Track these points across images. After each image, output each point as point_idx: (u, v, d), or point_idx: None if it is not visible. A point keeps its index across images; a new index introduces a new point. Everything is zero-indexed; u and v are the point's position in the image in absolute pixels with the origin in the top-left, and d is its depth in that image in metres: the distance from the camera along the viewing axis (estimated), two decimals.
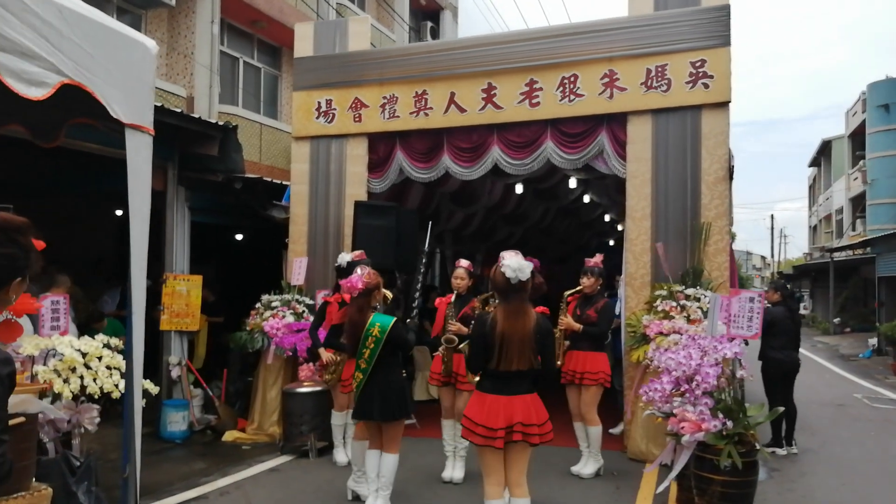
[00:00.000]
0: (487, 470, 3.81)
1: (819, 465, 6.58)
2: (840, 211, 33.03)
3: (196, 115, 7.49)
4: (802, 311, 26.96)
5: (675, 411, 4.58)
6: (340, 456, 6.16)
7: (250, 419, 7.34)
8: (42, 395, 3.78)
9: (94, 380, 3.93)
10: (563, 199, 11.85)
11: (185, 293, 7.44)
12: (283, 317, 7.24)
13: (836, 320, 25.24)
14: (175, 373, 7.43)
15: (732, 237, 7.56)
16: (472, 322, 4.76)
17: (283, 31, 12.72)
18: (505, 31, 8.12)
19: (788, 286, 7.71)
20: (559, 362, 5.65)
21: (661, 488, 5.00)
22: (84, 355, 3.98)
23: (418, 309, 5.46)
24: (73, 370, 3.91)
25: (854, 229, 29.69)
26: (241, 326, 7.53)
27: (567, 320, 5.74)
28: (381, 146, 7.89)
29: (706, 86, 6.49)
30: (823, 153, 37.10)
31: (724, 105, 6.52)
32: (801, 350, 7.40)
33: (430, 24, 19.12)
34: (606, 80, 6.82)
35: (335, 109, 7.88)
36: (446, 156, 7.59)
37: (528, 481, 3.87)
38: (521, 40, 7.18)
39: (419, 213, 8.36)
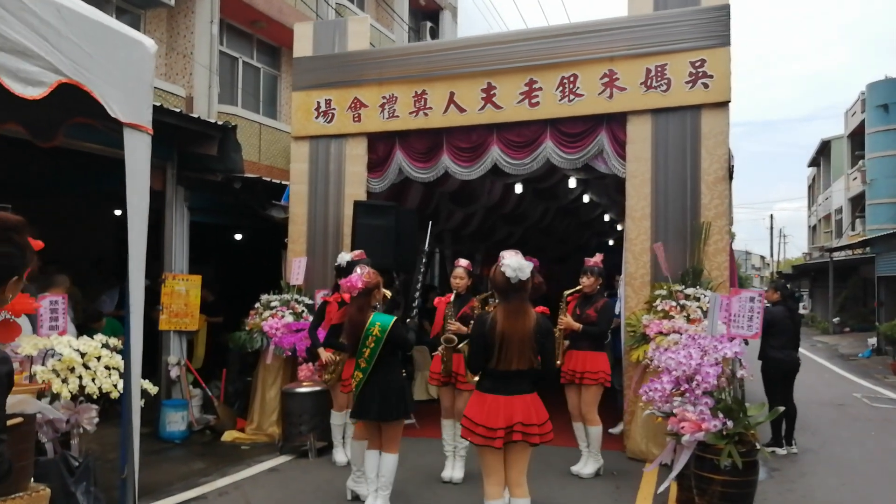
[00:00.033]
0: (487, 470, 3.80)
1: (819, 465, 6.58)
2: (839, 211, 33.04)
3: (195, 115, 7.48)
4: (802, 311, 26.94)
5: (675, 411, 4.58)
6: (340, 456, 6.15)
7: (249, 419, 7.33)
8: (40, 395, 3.78)
9: (93, 380, 3.93)
10: (562, 198, 11.85)
11: (184, 293, 7.43)
12: (283, 317, 7.24)
13: (836, 320, 25.26)
14: (174, 373, 7.42)
15: (732, 237, 7.55)
16: (472, 322, 4.75)
17: (282, 31, 12.71)
18: (504, 31, 8.12)
19: (788, 286, 7.70)
20: (559, 362, 5.64)
21: (661, 488, 4.99)
22: (83, 355, 3.97)
23: (418, 309, 5.45)
24: (72, 370, 3.91)
25: (853, 229, 29.70)
26: (240, 326, 7.52)
27: (567, 320, 5.73)
28: (380, 146, 7.88)
29: (706, 85, 6.48)
30: (823, 153, 37.11)
31: (723, 105, 6.51)
32: (800, 350, 7.39)
33: (429, 24, 19.13)
34: (606, 79, 6.81)
35: (334, 109, 7.88)
36: (446, 155, 7.59)
37: (528, 481, 3.86)
38: (520, 40, 7.18)
39: (418, 212, 8.35)
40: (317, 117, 7.95)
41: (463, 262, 5.80)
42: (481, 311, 4.96)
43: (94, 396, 3.93)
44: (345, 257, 5.89)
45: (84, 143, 6.16)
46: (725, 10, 6.49)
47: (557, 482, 5.65)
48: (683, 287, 6.27)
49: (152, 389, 4.12)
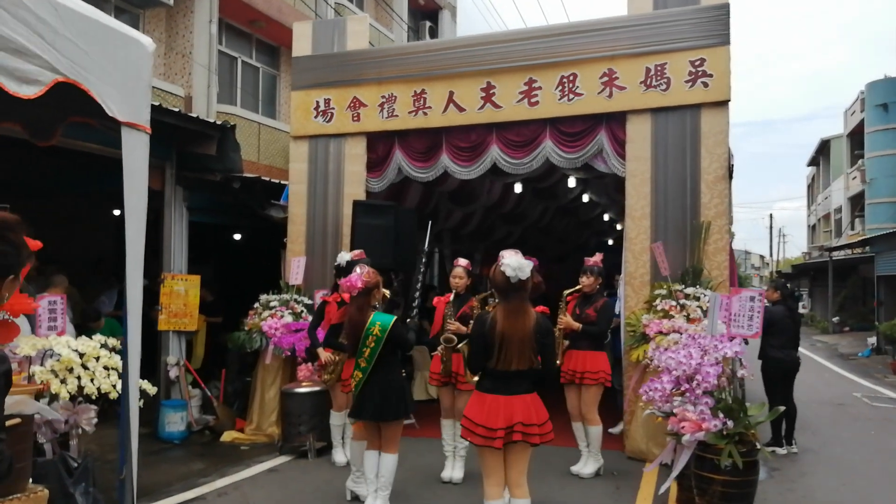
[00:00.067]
0: (487, 470, 3.79)
1: (819, 465, 6.57)
2: (839, 210, 33.03)
3: (194, 115, 7.47)
4: (801, 311, 26.95)
5: (675, 411, 4.57)
6: (339, 456, 6.14)
7: (249, 419, 7.32)
8: (39, 395, 3.76)
9: (92, 380, 3.91)
10: (562, 198, 11.84)
11: (184, 293, 7.42)
12: (282, 316, 7.22)
13: (835, 319, 25.26)
14: (173, 373, 7.41)
15: (731, 236, 7.55)
16: (472, 321, 4.74)
17: (281, 31, 12.70)
18: (504, 30, 8.10)
19: (788, 285, 7.70)
20: (558, 362, 5.63)
21: (662, 489, 4.98)
22: (81, 356, 3.96)
23: (418, 309, 5.44)
24: (71, 371, 3.89)
25: (853, 228, 29.70)
26: (239, 326, 7.51)
27: (566, 319, 5.72)
28: (379, 145, 7.87)
29: (705, 85, 6.47)
30: (822, 152, 37.10)
31: (723, 104, 6.50)
32: (800, 349, 7.39)
33: (428, 23, 19.12)
34: (606, 79, 6.80)
35: (333, 109, 7.86)
36: (445, 155, 7.58)
37: (528, 481, 3.85)
38: (520, 39, 7.16)
39: (418, 212, 8.34)
40: (316, 117, 7.93)
41: (462, 261, 5.79)
42: (481, 311, 4.95)
43: (93, 397, 3.92)
44: (344, 257, 5.88)
45: (83, 143, 6.15)
46: (725, 9, 6.48)
47: (557, 482, 5.64)
48: (683, 286, 6.26)
49: (151, 390, 4.11)
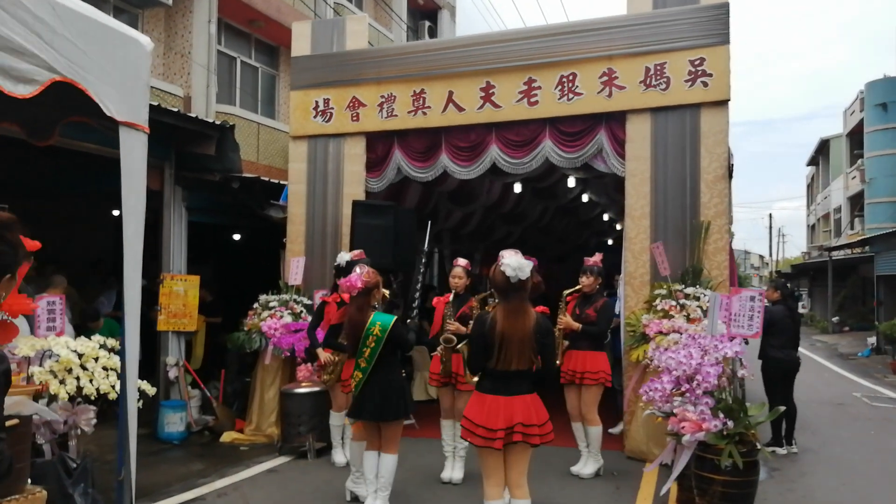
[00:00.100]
0: (487, 471, 3.78)
1: (819, 465, 6.56)
2: (838, 210, 33.04)
3: (193, 115, 7.46)
4: (801, 311, 26.96)
5: (675, 411, 4.56)
6: (339, 457, 6.13)
7: (248, 420, 7.31)
8: (38, 396, 3.75)
9: (91, 381, 3.90)
10: (561, 198, 11.83)
11: (183, 293, 7.41)
12: (281, 317, 7.21)
13: (835, 319, 25.26)
14: (172, 373, 7.40)
15: (731, 236, 7.54)
16: (472, 322, 4.73)
17: (280, 31, 12.69)
18: (503, 30, 8.10)
19: (788, 285, 7.69)
20: (558, 362, 5.62)
21: (664, 490, 4.97)
22: (80, 356, 3.95)
23: (418, 309, 5.43)
24: (70, 371, 3.88)
25: (852, 228, 29.71)
26: (238, 327, 7.50)
27: (566, 320, 5.71)
28: (378, 145, 7.86)
29: (705, 84, 6.47)
30: (822, 152, 37.11)
31: (723, 103, 6.49)
32: (799, 349, 7.38)
33: (427, 23, 19.11)
34: (605, 78, 6.80)
35: (333, 108, 7.85)
36: (444, 155, 7.57)
37: (528, 482, 3.84)
38: (519, 39, 7.16)
39: (417, 212, 8.34)
40: (315, 117, 7.93)
41: (461, 261, 5.78)
42: (481, 311, 4.94)
43: (92, 398, 3.91)
44: (344, 257, 5.87)
45: (82, 143, 6.15)
46: (724, 8, 6.48)
47: (557, 482, 5.63)
48: (683, 286, 6.25)
49: (150, 390, 4.09)
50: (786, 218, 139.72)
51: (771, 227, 47.31)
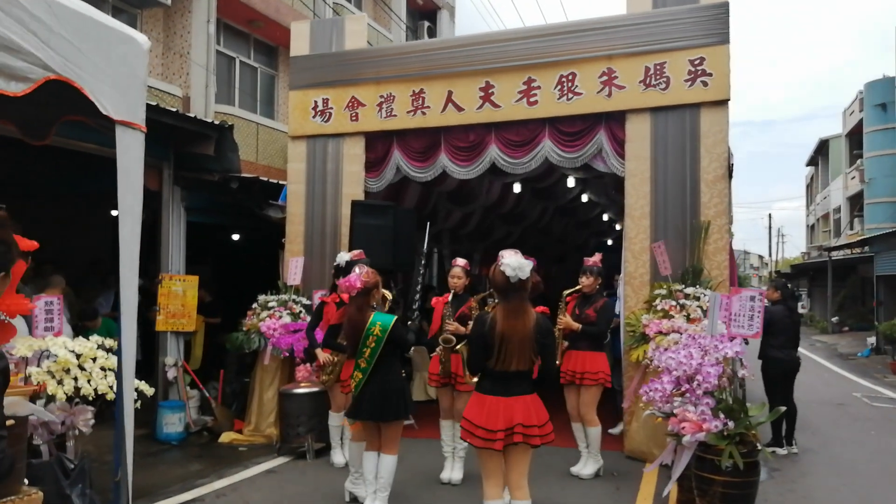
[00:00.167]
0: (487, 472, 3.77)
1: (819, 465, 6.55)
2: (838, 210, 33.04)
3: (192, 115, 7.44)
4: (801, 311, 26.95)
5: (675, 411, 4.54)
6: (338, 457, 6.11)
7: (247, 420, 7.29)
8: (36, 397, 3.74)
9: (89, 381, 3.89)
10: (561, 198, 11.83)
11: (182, 294, 7.39)
12: (280, 317, 7.20)
13: (835, 319, 25.26)
14: (171, 374, 7.38)
15: (731, 236, 7.53)
16: (471, 322, 4.72)
17: (279, 31, 12.68)
18: (503, 30, 8.08)
19: (789, 285, 7.67)
20: (557, 362, 5.61)
21: (665, 491, 4.95)
22: (78, 356, 3.93)
23: (418, 310, 5.41)
24: (67, 371, 3.87)
25: (852, 228, 29.71)
26: (237, 327, 7.49)
27: (566, 320, 5.70)
28: (378, 145, 7.84)
29: (705, 84, 6.45)
30: (821, 152, 37.11)
31: (723, 103, 6.48)
32: (799, 349, 7.37)
33: (426, 23, 19.10)
34: (605, 78, 6.78)
35: (332, 108, 7.84)
36: (444, 155, 7.55)
37: (528, 482, 3.82)
38: (518, 38, 7.14)
39: (417, 212, 8.32)
40: (314, 116, 7.91)
41: (460, 261, 5.76)
42: (480, 311, 4.93)
43: (90, 398, 3.89)
44: (344, 257, 5.85)
45: (81, 143, 6.13)
46: (724, 7, 6.46)
47: (557, 483, 5.62)
48: (683, 286, 6.24)
49: (148, 391, 4.08)
50: (785, 218, 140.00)
51: (770, 228, 47.37)
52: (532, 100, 7.04)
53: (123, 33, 3.25)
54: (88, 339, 4.10)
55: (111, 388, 3.89)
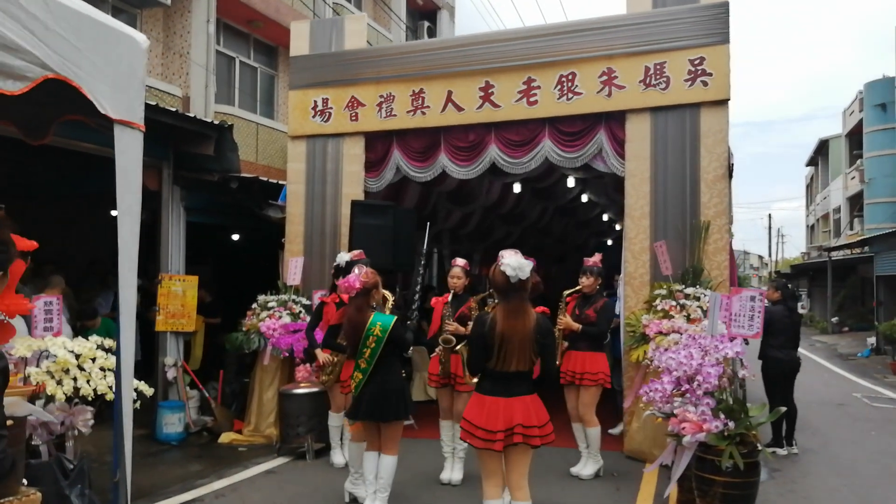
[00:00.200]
0: (487, 472, 3.76)
1: (820, 466, 6.55)
2: (837, 210, 33.04)
3: (192, 115, 7.44)
4: (800, 311, 26.94)
5: (675, 412, 4.54)
6: (338, 457, 6.11)
7: (247, 421, 7.28)
8: (35, 397, 3.73)
9: (88, 381, 3.88)
10: (561, 198, 11.82)
11: (181, 294, 7.38)
12: (280, 317, 7.19)
13: (835, 319, 25.25)
14: (171, 374, 7.37)
15: (731, 236, 7.53)
16: (470, 322, 4.71)
17: (279, 31, 12.68)
18: (503, 29, 8.07)
19: (789, 285, 7.67)
20: (557, 362, 5.60)
21: (667, 493, 4.95)
22: (77, 357, 3.93)
23: (417, 310, 5.41)
24: (67, 372, 3.86)
25: (852, 228, 29.71)
26: (237, 327, 7.48)
27: (566, 320, 5.69)
28: (377, 145, 7.84)
29: (705, 83, 6.45)
30: (821, 152, 37.11)
31: (723, 103, 6.47)
32: (799, 349, 7.36)
33: (426, 23, 19.10)
34: (605, 77, 6.78)
35: (331, 108, 7.83)
36: (443, 155, 7.55)
37: (528, 483, 3.81)
38: (518, 38, 7.14)
39: (416, 212, 8.32)
40: (314, 116, 7.90)
41: (460, 261, 5.75)
42: (480, 312, 4.92)
43: (89, 398, 3.89)
44: (344, 257, 5.85)
45: (81, 143, 6.12)
46: (724, 7, 6.46)
47: (557, 483, 5.61)
48: (683, 286, 6.23)
49: (148, 391, 4.07)
50: (785, 218, 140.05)
51: (770, 228, 47.39)
52: (532, 100, 7.04)
53: (122, 32, 3.25)
54: (88, 340, 4.10)
55: (110, 388, 3.88)
